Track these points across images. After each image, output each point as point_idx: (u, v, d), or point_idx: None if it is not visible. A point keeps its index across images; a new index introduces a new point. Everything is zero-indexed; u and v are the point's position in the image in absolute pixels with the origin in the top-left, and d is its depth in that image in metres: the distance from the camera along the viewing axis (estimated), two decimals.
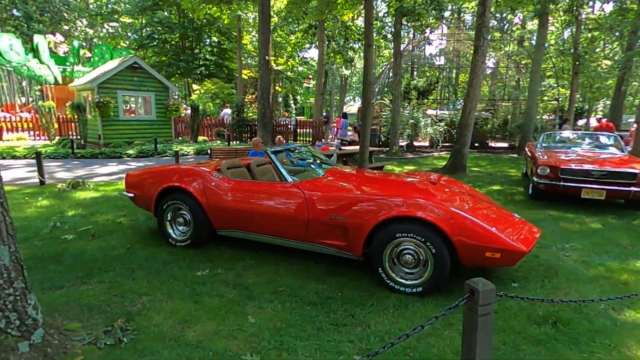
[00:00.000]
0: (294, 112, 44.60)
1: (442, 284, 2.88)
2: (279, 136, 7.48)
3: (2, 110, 17.65)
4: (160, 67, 26.22)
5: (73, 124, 14.22)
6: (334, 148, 9.78)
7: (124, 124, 13.35)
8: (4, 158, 10.38)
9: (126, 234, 4.27)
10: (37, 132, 14.70)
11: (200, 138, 15.43)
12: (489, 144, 16.09)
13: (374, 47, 13.83)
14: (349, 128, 15.55)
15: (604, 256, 3.86)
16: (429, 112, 16.82)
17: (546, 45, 16.16)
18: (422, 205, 2.87)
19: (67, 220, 4.75)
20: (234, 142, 15.17)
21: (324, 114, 20.42)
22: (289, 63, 23.05)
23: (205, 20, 24.93)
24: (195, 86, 26.20)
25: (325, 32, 17.50)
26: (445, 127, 14.97)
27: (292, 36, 19.79)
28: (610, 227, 4.88)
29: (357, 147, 9.11)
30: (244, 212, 3.52)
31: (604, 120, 11.16)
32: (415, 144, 15.73)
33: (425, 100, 17.17)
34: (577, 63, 15.74)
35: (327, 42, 18.97)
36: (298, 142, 17.10)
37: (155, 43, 25.60)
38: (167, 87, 14.32)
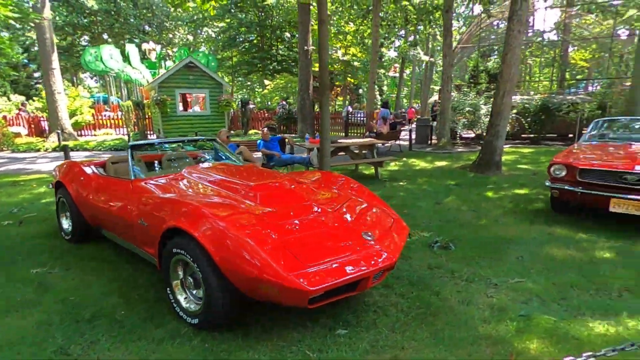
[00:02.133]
0: (379, 103, 43.28)
1: (223, 320, 2.24)
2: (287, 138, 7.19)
3: (111, 110, 21.26)
4: (241, 66, 28.12)
5: (147, 120, 16.22)
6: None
7: (182, 119, 14.62)
8: (74, 150, 12.39)
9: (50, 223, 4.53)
10: (123, 128, 17.21)
11: (251, 131, 16.03)
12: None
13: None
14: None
15: (552, 306, 2.57)
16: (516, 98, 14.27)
17: None
18: (198, 215, 2.25)
19: (34, 208, 5.31)
20: (281, 134, 15.33)
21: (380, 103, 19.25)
22: (348, 52, 22.17)
23: (281, 19, 25.70)
24: (267, 81, 27.36)
25: (382, 15, 16.22)
26: (515, 115, 12.49)
27: (352, 24, 18.90)
28: (622, 261, 3.28)
29: (364, 140, 8.19)
30: (97, 209, 3.36)
31: None
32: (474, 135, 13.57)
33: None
34: None
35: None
36: (350, 133, 16.42)
37: (236, 43, 27.46)
38: (220, 84, 15.17)
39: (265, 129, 7.22)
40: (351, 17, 17.66)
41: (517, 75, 6.85)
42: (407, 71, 37.48)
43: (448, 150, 11.11)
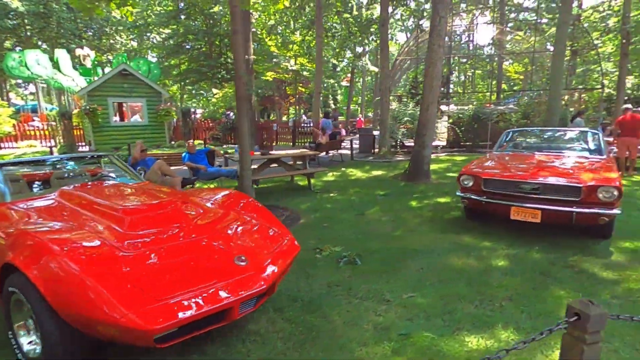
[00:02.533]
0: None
1: None
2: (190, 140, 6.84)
3: (40, 120, 19.52)
4: (190, 74, 27.23)
5: (79, 131, 15.06)
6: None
7: (116, 130, 13.76)
8: None
9: None
10: (48, 139, 15.84)
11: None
12: None
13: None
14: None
15: (436, 322, 2.56)
16: (444, 108, 14.97)
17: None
18: (37, 249, 1.98)
19: None
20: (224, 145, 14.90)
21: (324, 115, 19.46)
22: (297, 61, 22.30)
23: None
24: (215, 90, 26.74)
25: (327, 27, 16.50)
26: (450, 124, 13.13)
27: (298, 34, 19.06)
28: (513, 269, 3.40)
29: (294, 152, 8.11)
30: None
31: (629, 113, 8.64)
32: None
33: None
34: (625, 41, 12.78)
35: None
36: (299, 143, 16.36)
37: (183, 50, 26.57)
38: (159, 93, 14.53)
39: (191, 141, 6.90)
40: (296, 27, 17.76)
41: (439, 87, 7.11)
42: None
43: (388, 159, 11.36)
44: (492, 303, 2.79)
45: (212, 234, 2.46)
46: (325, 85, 38.20)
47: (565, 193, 3.86)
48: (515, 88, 28.81)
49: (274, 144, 16.71)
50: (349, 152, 11.90)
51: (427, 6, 13.95)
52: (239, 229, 2.65)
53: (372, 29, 14.55)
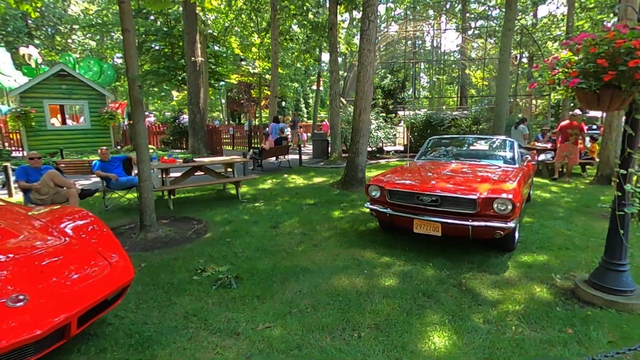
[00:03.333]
0: (305, 115, 43.46)
1: None
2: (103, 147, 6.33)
3: None
4: (149, 76, 26.29)
5: (16, 135, 14.04)
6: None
7: (53, 134, 12.90)
8: None
9: None
10: None
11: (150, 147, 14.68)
12: None
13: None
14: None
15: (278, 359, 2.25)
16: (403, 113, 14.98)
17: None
18: None
19: None
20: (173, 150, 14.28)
21: (290, 118, 19.26)
22: (260, 64, 21.90)
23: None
24: (175, 92, 25.93)
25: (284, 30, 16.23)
26: (403, 130, 13.08)
27: (257, 36, 18.68)
28: (396, 288, 3.16)
29: (225, 159, 7.73)
30: None
31: (568, 119, 8.80)
32: (386, 149, 13.99)
33: (390, 101, 15.28)
34: None
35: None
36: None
37: (143, 51, 25.60)
38: (102, 95, 13.76)
39: (104, 147, 6.38)
40: (253, 30, 17.38)
41: (372, 92, 6.93)
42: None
43: (337, 164, 11.14)
44: (352, 333, 2.51)
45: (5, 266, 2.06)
46: (298, 89, 37.91)
47: (462, 205, 3.68)
48: (482, 94, 29.59)
49: (229, 148, 16.23)
50: (304, 157, 11.65)
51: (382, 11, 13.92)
52: (48, 258, 2.25)
53: (324, 34, 14.38)
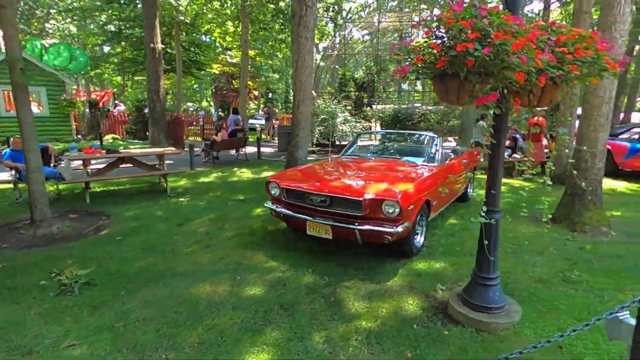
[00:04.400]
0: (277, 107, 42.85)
1: None
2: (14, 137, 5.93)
3: None
4: (128, 63, 25.76)
5: None
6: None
7: (8, 121, 12.40)
8: None
9: None
10: None
11: (108, 136, 14.27)
12: None
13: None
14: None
15: None
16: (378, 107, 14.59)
17: None
18: None
19: None
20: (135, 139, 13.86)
21: (265, 109, 18.89)
22: (232, 54, 21.34)
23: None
24: None
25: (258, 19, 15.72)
26: (370, 124, 12.74)
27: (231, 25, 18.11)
28: (262, 299, 2.85)
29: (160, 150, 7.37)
30: None
31: (540, 115, 8.50)
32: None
33: (364, 94, 14.89)
34: None
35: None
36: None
37: (120, 38, 24.94)
38: (62, 81, 13.26)
39: (18, 136, 5.98)
40: (224, 18, 16.84)
41: (311, 82, 6.56)
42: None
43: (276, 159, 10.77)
44: (164, 354, 2.20)
45: None
46: (286, 81, 37.20)
47: (350, 207, 3.36)
48: None
49: (199, 139, 15.81)
50: (271, 150, 11.28)
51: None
52: None
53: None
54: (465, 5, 1.86)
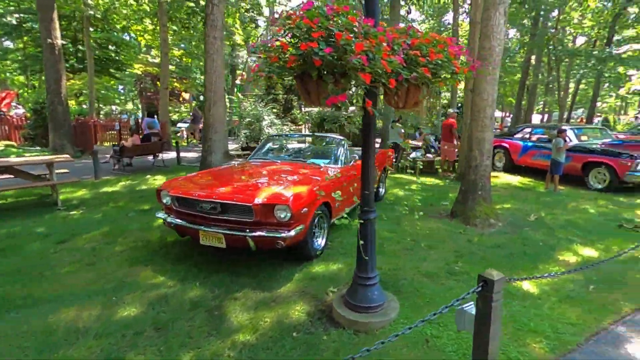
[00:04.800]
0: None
1: None
2: None
3: None
4: (28, 60, 22.94)
5: None
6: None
7: None
8: None
9: None
10: None
11: (1, 143, 12.43)
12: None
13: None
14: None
15: None
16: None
17: None
18: None
19: None
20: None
21: (192, 112, 18.07)
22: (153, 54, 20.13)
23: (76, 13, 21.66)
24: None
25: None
26: (300, 127, 12.74)
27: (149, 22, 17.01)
28: (124, 323, 2.57)
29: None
30: None
31: (451, 117, 9.15)
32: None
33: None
34: None
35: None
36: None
37: (20, 33, 22.08)
38: None
39: None
40: (140, 14, 15.73)
41: (223, 84, 6.32)
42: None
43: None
44: None
45: None
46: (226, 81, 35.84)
47: (241, 213, 3.21)
48: None
49: (110, 145, 14.50)
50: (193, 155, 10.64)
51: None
52: None
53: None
54: (316, 4, 1.82)
